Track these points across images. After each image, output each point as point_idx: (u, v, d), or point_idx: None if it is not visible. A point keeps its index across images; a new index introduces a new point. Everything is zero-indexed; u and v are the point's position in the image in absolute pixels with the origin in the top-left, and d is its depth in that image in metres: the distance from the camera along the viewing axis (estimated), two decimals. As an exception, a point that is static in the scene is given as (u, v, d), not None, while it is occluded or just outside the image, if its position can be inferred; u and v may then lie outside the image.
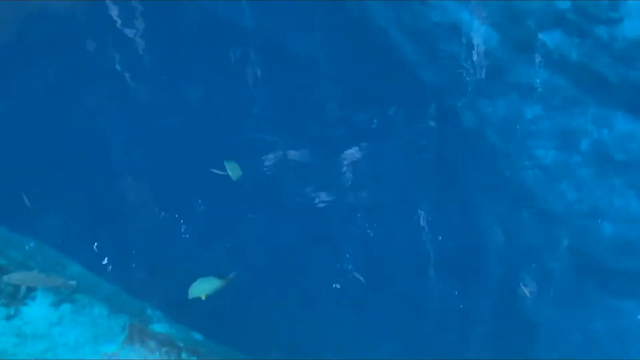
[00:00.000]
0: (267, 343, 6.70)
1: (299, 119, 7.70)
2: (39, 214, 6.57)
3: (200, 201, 7.27)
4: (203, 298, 5.56)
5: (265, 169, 7.50)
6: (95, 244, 6.69)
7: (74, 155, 7.06)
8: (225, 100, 7.67)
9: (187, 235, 7.12)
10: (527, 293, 7.31)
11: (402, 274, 7.50)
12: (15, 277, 5.39)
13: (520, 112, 7.11)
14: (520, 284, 7.35)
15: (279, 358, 6.68)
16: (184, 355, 5.61)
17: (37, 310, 5.29)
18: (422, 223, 7.59)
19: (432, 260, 7.54)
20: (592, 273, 7.58)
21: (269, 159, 7.53)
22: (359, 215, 7.58)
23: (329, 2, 7.63)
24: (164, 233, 7.06)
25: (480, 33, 6.69)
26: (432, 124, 7.70)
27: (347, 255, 7.39)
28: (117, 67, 7.41)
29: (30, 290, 5.43)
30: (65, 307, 5.39)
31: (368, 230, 7.57)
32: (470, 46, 6.88)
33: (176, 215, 7.18)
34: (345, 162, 7.64)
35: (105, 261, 6.58)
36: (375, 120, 7.78)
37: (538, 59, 6.61)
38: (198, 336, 6.16)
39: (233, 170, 6.75)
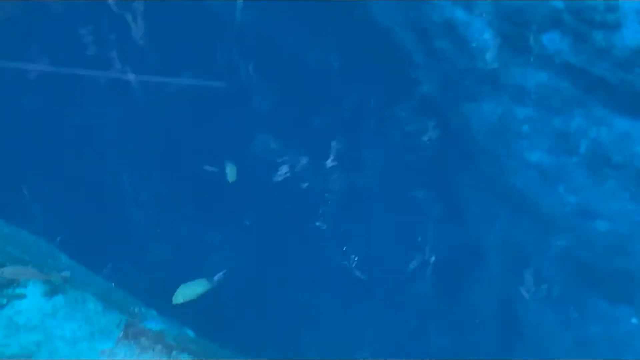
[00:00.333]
0: (262, 341, 6.71)
1: (299, 118, 7.73)
2: (34, 207, 6.57)
3: (194, 198, 7.29)
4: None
5: (263, 169, 7.52)
6: (89, 239, 6.69)
7: (69, 149, 7.07)
8: (225, 100, 7.68)
9: (181, 232, 7.14)
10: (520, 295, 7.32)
11: (392, 276, 7.51)
12: (8, 271, 5.38)
13: (513, 114, 7.14)
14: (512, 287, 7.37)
15: (275, 358, 6.68)
16: (175, 354, 5.58)
17: (29, 301, 5.26)
18: (421, 223, 7.62)
19: (423, 263, 7.55)
20: (585, 276, 7.59)
21: (269, 159, 7.56)
22: (348, 215, 7.60)
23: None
24: (159, 230, 7.08)
25: (477, 31, 6.71)
26: (428, 125, 7.73)
27: (339, 256, 7.41)
28: (107, 64, 7.42)
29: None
30: (59, 299, 5.36)
31: (357, 231, 7.58)
32: (466, 45, 6.91)
33: (170, 213, 7.19)
34: (336, 163, 7.66)
35: (98, 257, 6.58)
36: (367, 121, 7.81)
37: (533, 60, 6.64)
38: (191, 333, 6.14)
39: (230, 172, 6.79)
